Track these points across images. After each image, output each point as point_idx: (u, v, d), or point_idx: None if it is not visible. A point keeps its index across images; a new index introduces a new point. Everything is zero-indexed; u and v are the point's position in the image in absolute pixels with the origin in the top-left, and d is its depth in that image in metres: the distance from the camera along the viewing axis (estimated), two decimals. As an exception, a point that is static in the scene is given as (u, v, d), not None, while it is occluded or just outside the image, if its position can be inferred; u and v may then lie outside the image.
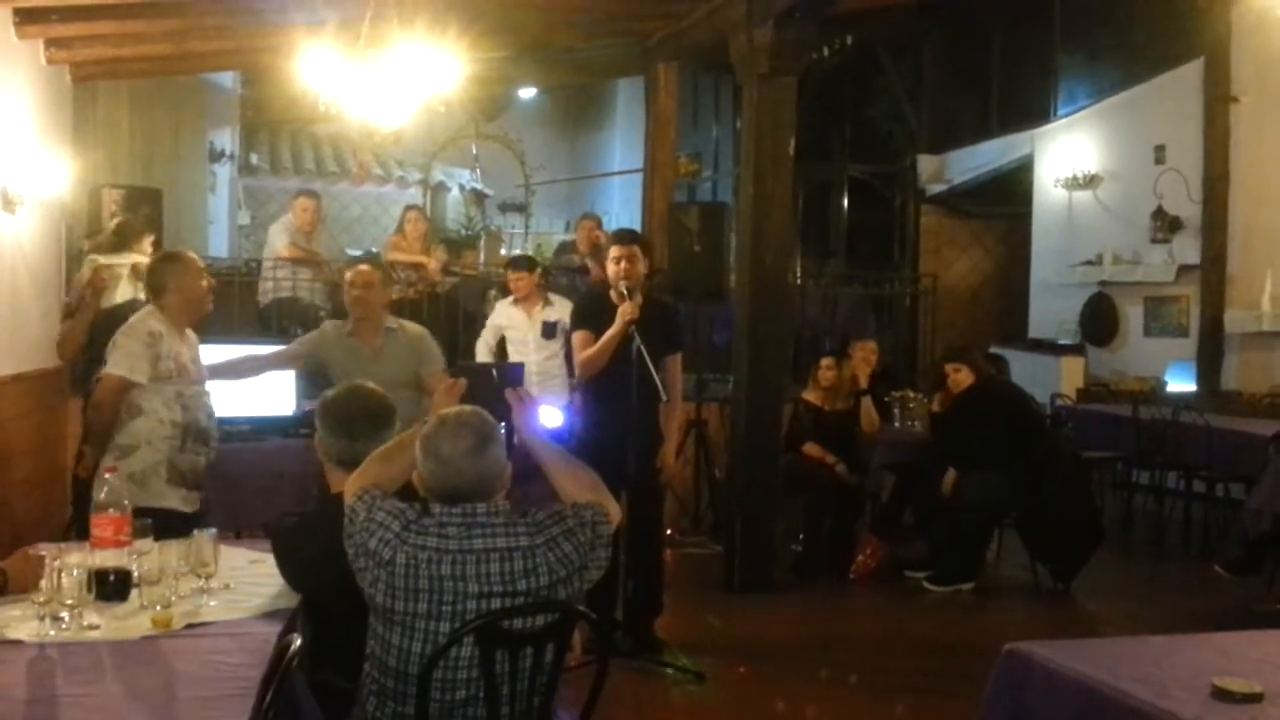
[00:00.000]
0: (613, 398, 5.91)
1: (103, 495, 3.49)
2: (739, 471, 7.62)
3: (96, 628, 3.10)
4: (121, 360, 4.97)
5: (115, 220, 7.95)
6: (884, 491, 8.55)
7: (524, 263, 8.60)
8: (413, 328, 6.23)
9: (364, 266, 6.18)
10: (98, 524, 3.46)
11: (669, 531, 7.75)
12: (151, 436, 5.00)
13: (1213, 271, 11.38)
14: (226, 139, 13.91)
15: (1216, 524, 9.02)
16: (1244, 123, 11.16)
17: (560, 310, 8.10)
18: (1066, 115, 13.58)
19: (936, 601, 7.58)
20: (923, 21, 14.87)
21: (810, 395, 8.26)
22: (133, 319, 5.17)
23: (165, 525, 3.88)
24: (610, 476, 5.88)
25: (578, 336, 6.14)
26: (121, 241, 7.41)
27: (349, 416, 3.61)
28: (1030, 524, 7.88)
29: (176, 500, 5.00)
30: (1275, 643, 3.36)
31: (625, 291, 5.89)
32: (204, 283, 5.32)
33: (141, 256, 7.13)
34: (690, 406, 8.28)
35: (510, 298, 8.47)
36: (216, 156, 13.45)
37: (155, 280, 5.27)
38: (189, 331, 5.32)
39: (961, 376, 7.89)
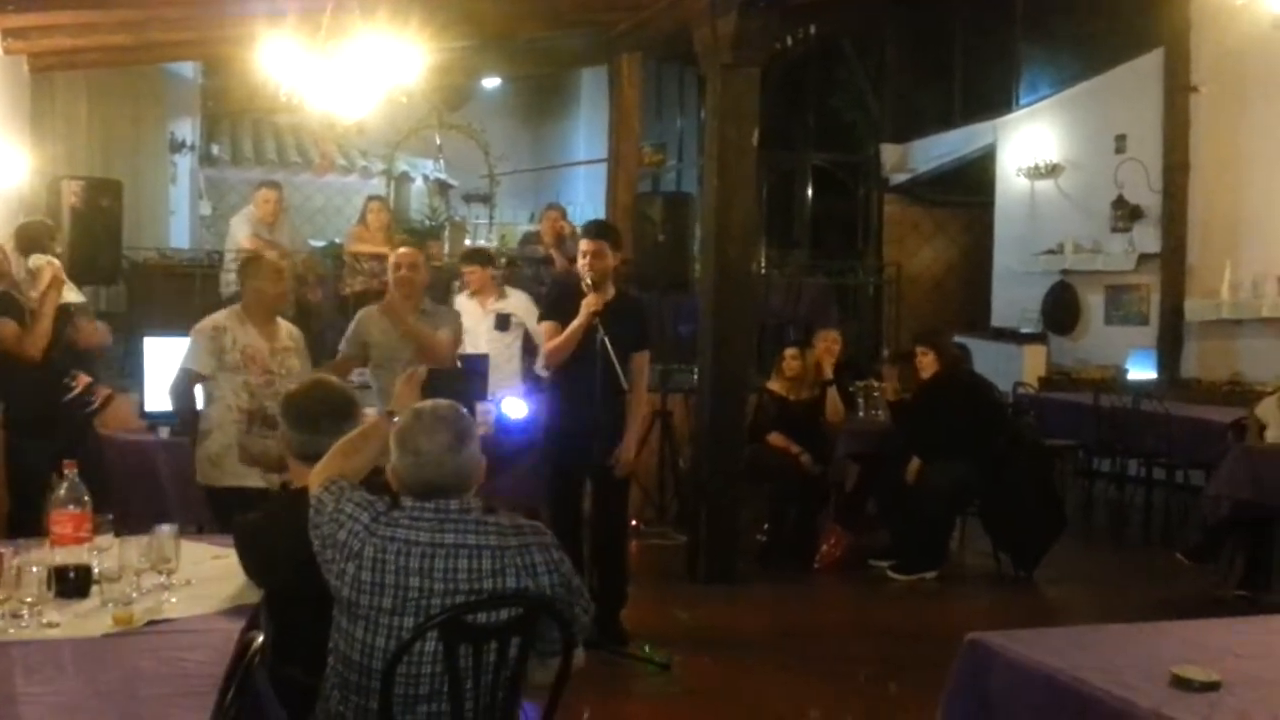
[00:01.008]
0: (578, 389, 5.92)
1: (62, 491, 3.46)
2: (703, 461, 7.64)
3: (57, 625, 3.06)
4: (188, 355, 5.54)
5: (22, 223, 7.62)
6: (848, 481, 8.58)
7: (476, 256, 8.53)
8: (447, 312, 6.39)
9: (407, 248, 6.41)
10: (57, 520, 3.42)
11: (633, 522, 7.76)
12: (222, 421, 5.44)
13: (1173, 260, 11.47)
14: (187, 129, 13.79)
15: (1177, 511, 9.10)
16: (1203, 112, 11.25)
17: (515, 303, 8.06)
18: (1028, 105, 13.66)
19: (900, 590, 7.61)
20: (885, 11, 14.92)
21: (775, 385, 8.28)
22: (206, 318, 5.69)
23: (245, 502, 4.30)
24: (575, 466, 5.99)
25: (545, 326, 6.15)
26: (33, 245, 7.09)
27: (311, 411, 3.59)
28: (993, 512, 7.94)
29: (255, 479, 5.29)
30: (1233, 631, 3.40)
31: (589, 285, 5.90)
32: (276, 285, 5.73)
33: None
34: (655, 397, 8.28)
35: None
36: (177, 147, 13.34)
37: (239, 279, 6.00)
38: (283, 325, 5.76)
39: (927, 361, 7.91)
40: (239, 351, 5.52)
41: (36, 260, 6.27)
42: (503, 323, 8.05)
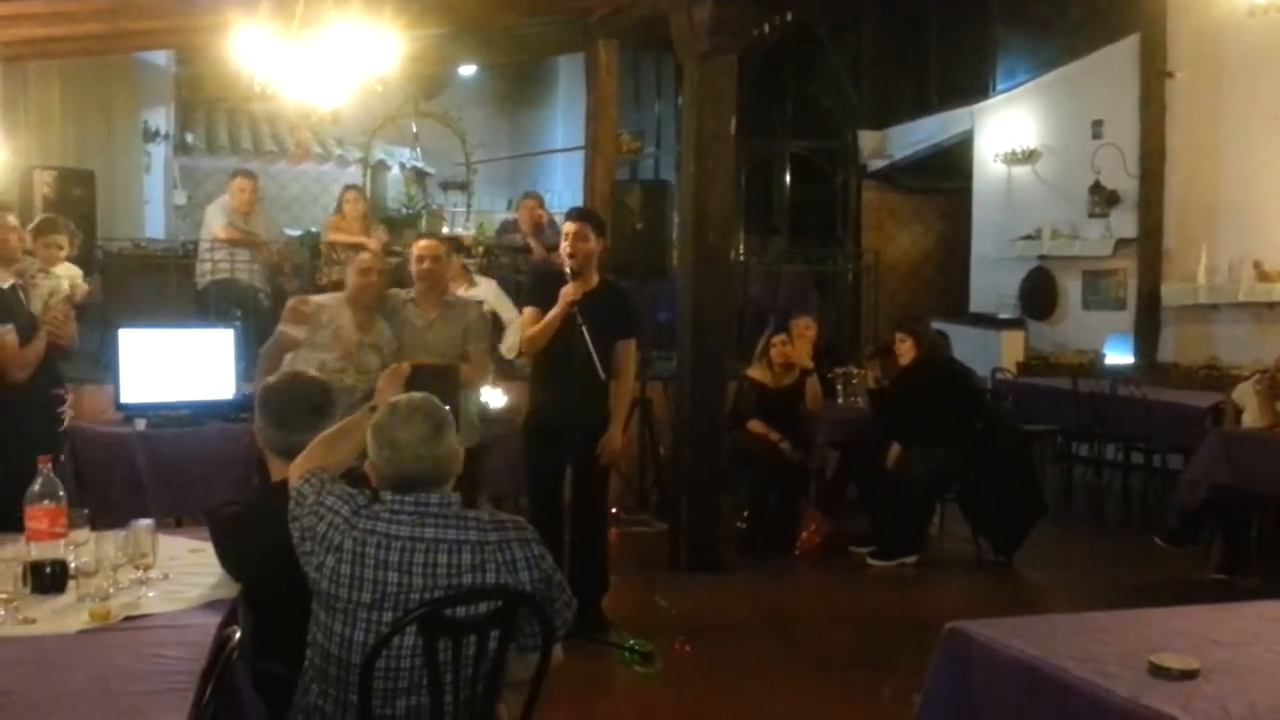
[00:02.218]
0: (558, 377, 5.93)
1: (37, 486, 3.43)
2: (684, 449, 7.64)
3: (33, 621, 3.04)
4: (284, 319, 5.94)
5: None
6: (828, 468, 8.60)
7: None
8: (472, 307, 6.37)
9: (429, 240, 6.39)
10: (32, 515, 3.39)
11: (614, 510, 7.75)
12: None
13: (1149, 245, 11.50)
14: (161, 118, 13.71)
15: (1155, 495, 9.15)
16: (1180, 98, 11.28)
17: (484, 290, 8.04)
18: (1005, 91, 13.66)
19: (880, 576, 7.63)
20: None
21: (756, 373, 8.27)
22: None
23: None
24: (554, 455, 5.98)
25: (526, 313, 6.14)
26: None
27: (288, 408, 3.56)
28: (972, 498, 7.97)
29: None
30: (1212, 618, 3.41)
31: (570, 270, 5.89)
32: (357, 278, 5.95)
33: (74, 270, 6.89)
34: (635, 385, 8.28)
35: None
36: (151, 136, 13.26)
37: None
38: (381, 326, 5.96)
39: (905, 348, 7.93)
40: (330, 330, 5.84)
41: (70, 271, 6.15)
42: None
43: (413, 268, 6.17)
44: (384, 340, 5.95)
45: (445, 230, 12.20)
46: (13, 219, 5.88)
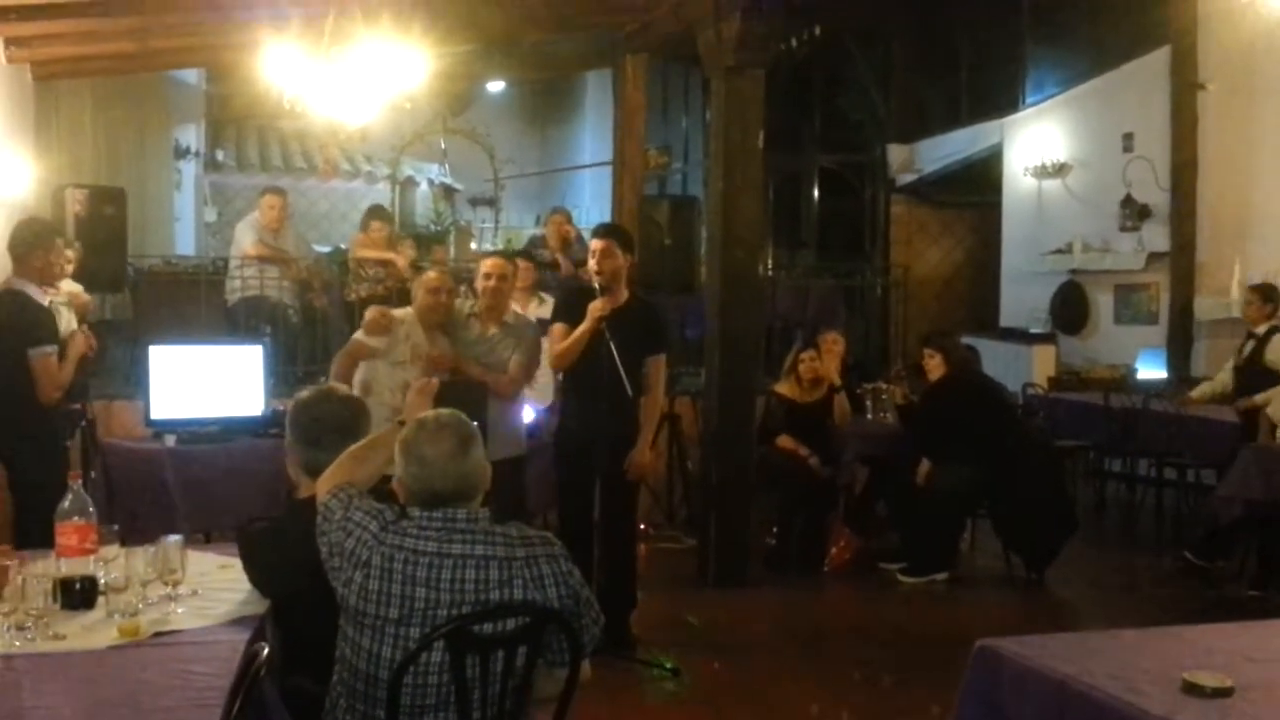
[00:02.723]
0: (587, 393, 5.93)
1: (67, 503, 3.44)
2: (712, 465, 7.61)
3: (63, 637, 3.05)
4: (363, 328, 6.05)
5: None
6: (857, 484, 8.55)
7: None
8: (531, 326, 6.45)
9: (496, 259, 6.43)
10: (63, 531, 3.41)
11: (641, 526, 7.73)
12: (376, 417, 5.44)
13: (1182, 258, 11.42)
14: (192, 136, 13.81)
15: (1188, 511, 9.06)
16: (1211, 110, 11.20)
17: (550, 308, 8.04)
18: (1035, 104, 13.61)
19: (910, 593, 7.59)
20: (891, 11, 14.90)
21: (783, 388, 8.24)
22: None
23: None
24: (584, 471, 5.97)
25: (555, 329, 6.14)
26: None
27: (315, 427, 3.57)
28: (1003, 514, 7.91)
29: None
30: (1246, 635, 3.37)
31: (598, 287, 5.89)
32: (425, 297, 6.05)
33: (75, 286, 6.95)
34: (664, 400, 8.27)
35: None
36: (182, 154, 13.36)
37: None
38: (444, 341, 6.05)
39: (934, 364, 7.89)
40: (409, 346, 5.94)
41: (71, 286, 6.19)
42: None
43: (479, 284, 6.24)
44: (447, 348, 6.06)
45: (473, 246, 12.24)
46: (61, 242, 6.00)
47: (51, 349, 5.70)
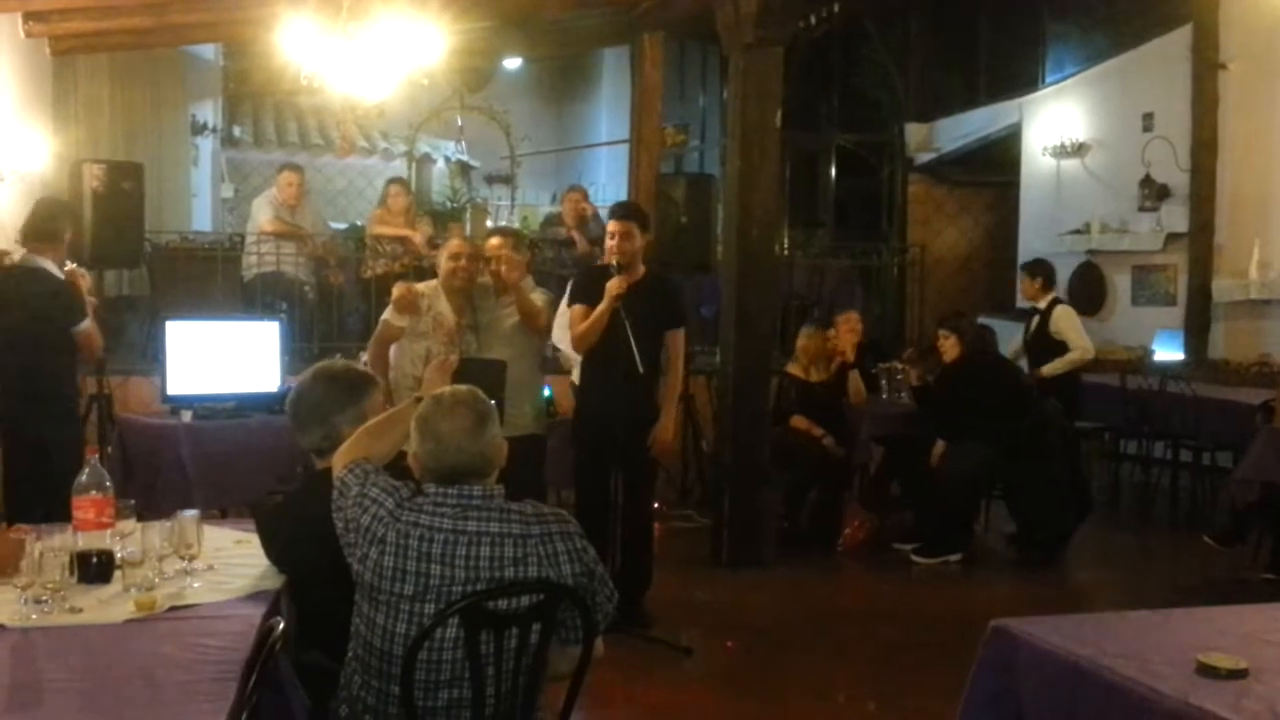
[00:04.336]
0: (605, 373, 5.92)
1: (85, 477, 3.46)
2: (727, 445, 7.61)
3: (79, 611, 3.07)
4: (390, 309, 6.11)
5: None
6: (871, 464, 8.55)
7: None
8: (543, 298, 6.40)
9: (499, 238, 6.36)
10: (80, 506, 3.42)
11: (656, 505, 7.74)
12: (397, 388, 5.75)
13: (1200, 240, 11.35)
14: (209, 112, 13.80)
15: (1203, 493, 9.04)
16: (1232, 90, 11.12)
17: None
18: (1054, 83, 13.52)
19: (924, 573, 7.59)
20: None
21: (794, 368, 8.23)
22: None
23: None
24: (602, 450, 5.98)
25: (573, 311, 6.13)
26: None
27: (294, 404, 3.60)
28: (1018, 495, 7.90)
29: None
30: (1261, 617, 3.35)
31: (616, 267, 5.89)
32: (448, 263, 6.10)
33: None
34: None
35: None
36: (199, 129, 13.35)
37: None
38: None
39: (948, 345, 7.88)
40: (431, 318, 6.03)
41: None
42: None
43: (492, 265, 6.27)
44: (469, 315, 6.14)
45: (489, 223, 12.23)
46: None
47: (88, 320, 6.00)
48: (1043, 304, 8.45)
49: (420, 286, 6.21)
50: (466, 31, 9.22)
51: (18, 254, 6.30)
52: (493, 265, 6.16)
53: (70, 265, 6.16)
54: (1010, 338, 9.90)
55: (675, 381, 6.25)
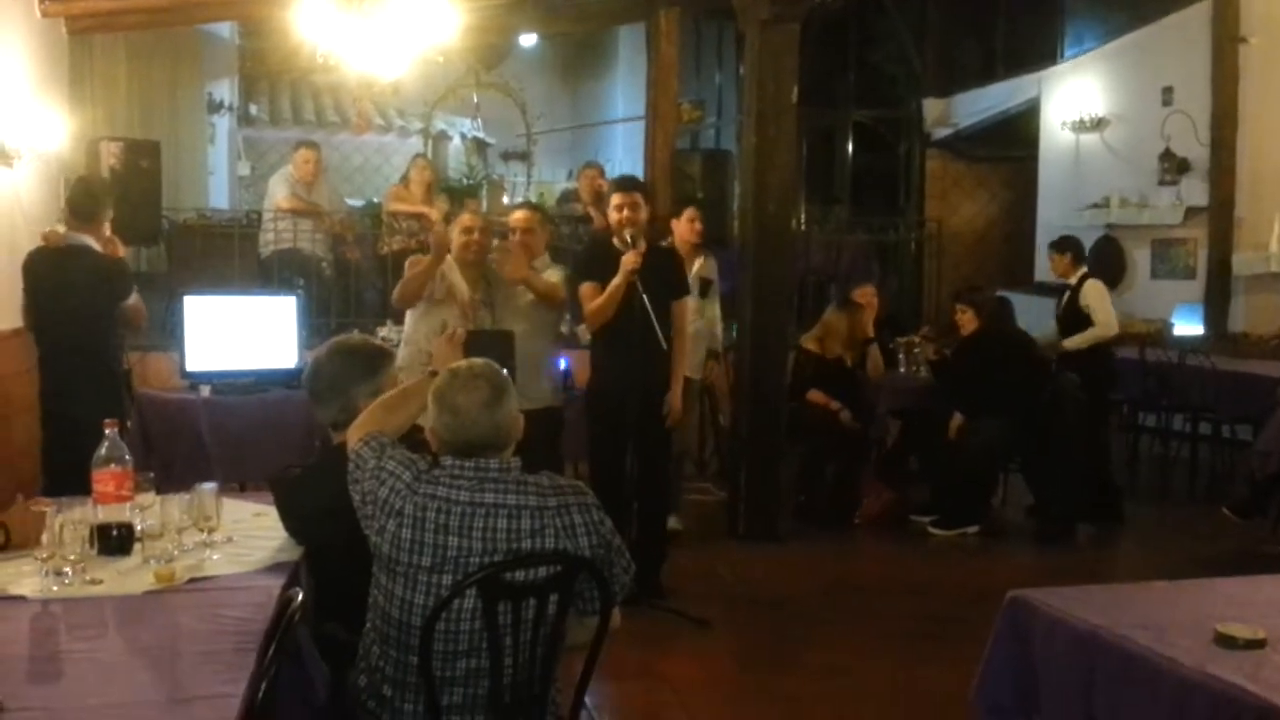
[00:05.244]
0: (619, 348, 5.92)
1: (104, 450, 3.47)
2: (744, 419, 7.62)
3: (100, 583, 3.09)
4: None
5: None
6: (889, 437, 8.54)
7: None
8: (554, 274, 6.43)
9: (523, 212, 6.50)
10: (100, 479, 3.44)
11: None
12: (411, 364, 5.76)
13: (1220, 213, 11.30)
14: (225, 90, 13.80)
15: (1223, 466, 9.01)
16: (1253, 64, 11.05)
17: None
18: (1073, 57, 13.45)
19: (941, 546, 7.59)
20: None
21: (810, 343, 8.20)
22: None
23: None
24: (617, 423, 5.99)
25: (584, 288, 6.11)
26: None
27: (311, 381, 3.62)
28: (1035, 468, 7.88)
29: None
30: (1278, 588, 3.35)
31: (629, 240, 5.88)
32: (459, 237, 6.16)
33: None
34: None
35: None
36: (215, 108, 13.36)
37: None
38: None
39: (966, 319, 7.87)
40: (445, 287, 6.06)
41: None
42: None
43: (511, 236, 6.33)
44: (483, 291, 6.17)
45: (505, 200, 12.23)
46: None
47: (137, 296, 6.26)
48: (1073, 279, 8.40)
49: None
50: (482, 9, 9.21)
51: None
52: (517, 236, 6.22)
53: (108, 234, 6.29)
54: (1027, 313, 9.87)
55: (682, 350, 6.24)
